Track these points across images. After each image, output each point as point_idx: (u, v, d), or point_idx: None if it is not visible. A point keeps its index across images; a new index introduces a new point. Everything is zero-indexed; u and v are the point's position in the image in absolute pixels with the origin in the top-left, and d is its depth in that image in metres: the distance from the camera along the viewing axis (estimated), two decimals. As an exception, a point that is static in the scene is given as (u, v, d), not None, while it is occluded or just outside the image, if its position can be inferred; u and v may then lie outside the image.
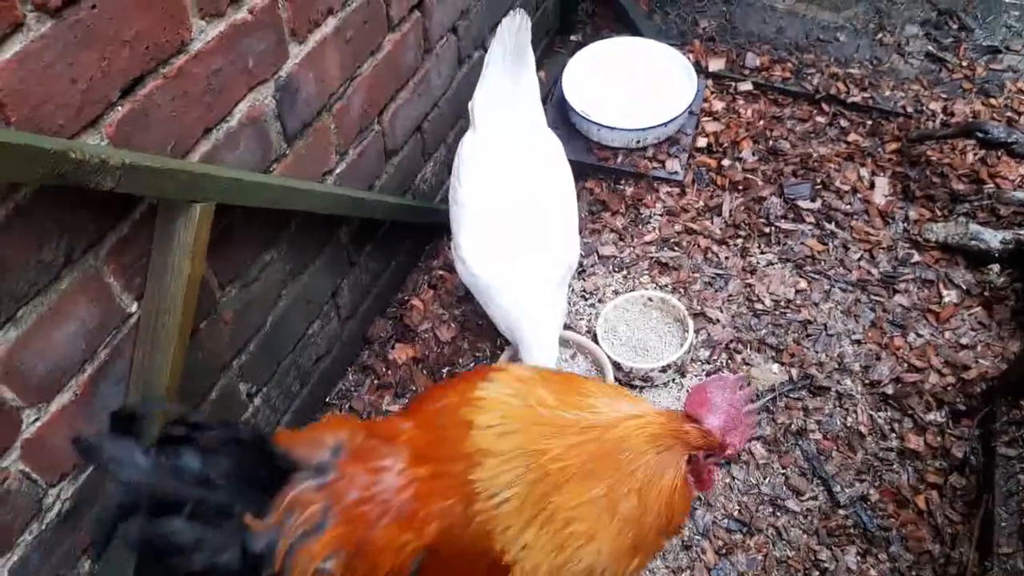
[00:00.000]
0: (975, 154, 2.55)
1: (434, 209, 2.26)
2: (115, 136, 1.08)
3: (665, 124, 2.45)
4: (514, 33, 1.75)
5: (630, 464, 1.08)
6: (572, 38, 3.03)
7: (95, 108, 1.04)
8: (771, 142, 2.61)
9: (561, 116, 2.62)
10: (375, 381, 2.09)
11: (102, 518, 1.11)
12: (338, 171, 1.74)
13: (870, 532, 1.80)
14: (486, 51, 2.24)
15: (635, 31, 2.87)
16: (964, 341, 2.10)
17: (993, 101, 2.77)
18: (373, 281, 2.13)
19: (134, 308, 1.26)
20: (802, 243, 2.32)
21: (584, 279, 2.25)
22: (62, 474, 1.23)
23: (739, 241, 2.34)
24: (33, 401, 1.13)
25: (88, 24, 0.98)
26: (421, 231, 2.33)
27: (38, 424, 1.15)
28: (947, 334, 2.12)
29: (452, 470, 1.11)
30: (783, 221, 2.38)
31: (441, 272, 2.31)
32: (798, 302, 2.18)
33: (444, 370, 2.09)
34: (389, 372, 2.10)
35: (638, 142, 2.51)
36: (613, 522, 1.07)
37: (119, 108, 1.08)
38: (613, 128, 2.47)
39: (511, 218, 1.76)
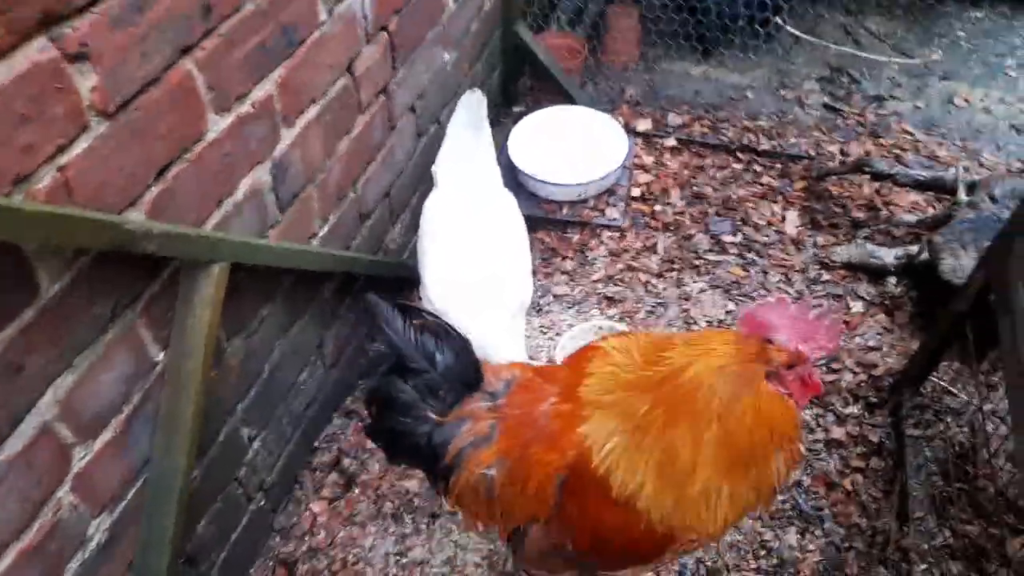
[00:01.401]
0: (871, 186, 2.95)
1: (403, 264, 2.53)
2: (151, 210, 1.32)
3: (602, 178, 2.79)
4: (472, 108, 2.07)
5: (704, 398, 1.18)
6: (515, 109, 3.39)
7: (137, 188, 1.29)
8: (695, 188, 2.97)
9: (510, 177, 2.93)
10: (360, 423, 2.30)
11: (369, 361, 1.43)
12: (321, 234, 2.00)
13: (806, 513, 2.07)
14: (440, 125, 2.58)
15: (571, 100, 3.25)
16: (872, 344, 2.43)
17: (882, 141, 3.20)
18: (352, 332, 2.36)
19: (160, 357, 1.47)
20: (728, 271, 2.65)
21: (542, 316, 2.53)
22: (103, 506, 1.41)
23: (674, 273, 2.66)
24: (83, 439, 1.32)
25: (134, 123, 1.24)
26: (392, 285, 2.59)
27: (86, 460, 1.34)
28: (857, 339, 2.45)
29: (581, 413, 1.30)
30: (710, 254, 2.72)
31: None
32: (728, 321, 2.49)
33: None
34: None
35: (580, 195, 2.84)
36: (705, 449, 1.19)
37: (153, 188, 1.33)
38: (557, 184, 2.79)
39: (473, 262, 2.03)
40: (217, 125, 1.45)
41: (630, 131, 3.15)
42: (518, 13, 3.11)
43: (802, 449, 1.29)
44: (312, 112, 1.78)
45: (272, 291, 1.83)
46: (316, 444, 2.26)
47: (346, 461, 2.19)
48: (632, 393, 1.26)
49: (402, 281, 2.59)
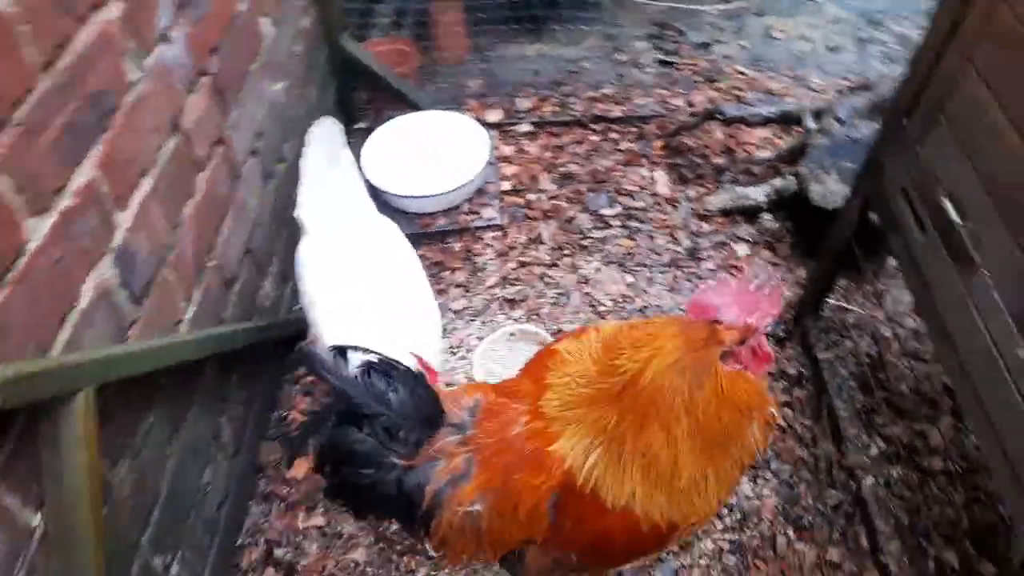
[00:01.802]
0: (722, 131, 3.05)
1: (282, 322, 2.31)
2: (-23, 355, 1.08)
3: (471, 180, 2.68)
4: (324, 138, 1.88)
5: (667, 398, 1.17)
6: (359, 127, 3.20)
7: (-48, 335, 1.03)
8: (562, 168, 2.94)
9: (374, 198, 2.76)
10: (281, 504, 2.08)
11: (312, 420, 1.30)
12: (188, 316, 1.76)
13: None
14: (286, 162, 2.36)
15: (414, 106, 3.10)
16: (763, 278, 2.50)
17: (720, 86, 3.32)
18: (248, 410, 2.13)
19: (37, 520, 1.22)
20: (616, 244, 2.65)
21: (447, 336, 2.40)
22: None
23: (566, 259, 2.61)
24: (-40, 649, 1.07)
25: (-73, 258, 0.99)
26: (277, 347, 2.36)
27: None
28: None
29: (551, 431, 1.26)
30: (595, 231, 2.70)
31: (310, 377, 2.34)
32: (631, 294, 2.48)
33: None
34: (292, 490, 2.10)
35: (452, 202, 2.72)
36: (682, 444, 1.18)
37: (-26, 327, 1.08)
38: (426, 196, 2.66)
39: (368, 301, 1.86)
40: (38, 230, 1.20)
41: (483, 125, 3.06)
42: (339, 25, 2.92)
43: (774, 412, 1.29)
44: (146, 185, 1.54)
45: (149, 396, 1.58)
46: (239, 542, 2.02)
47: (278, 552, 1.97)
48: (596, 407, 1.24)
49: (286, 340, 2.37)
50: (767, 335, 1.22)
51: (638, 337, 1.23)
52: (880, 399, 2.24)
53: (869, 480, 2.05)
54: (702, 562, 1.93)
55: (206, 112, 1.84)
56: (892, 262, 2.34)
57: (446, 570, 1.91)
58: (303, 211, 1.98)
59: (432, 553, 1.91)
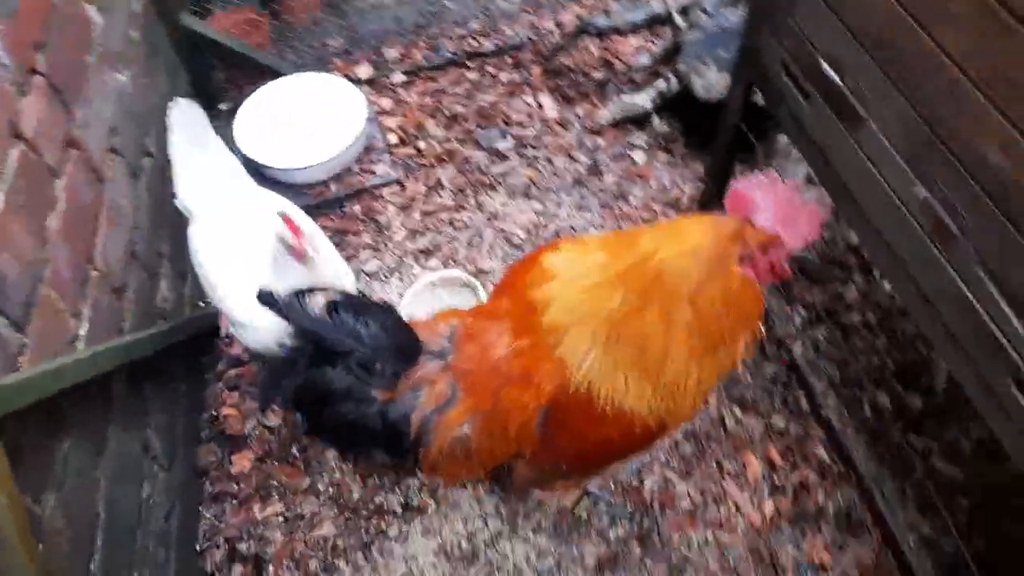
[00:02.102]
0: (597, 46, 3.04)
1: (188, 321, 2.17)
2: None
3: (353, 142, 2.57)
4: (185, 121, 1.75)
5: (675, 281, 1.13)
6: (222, 107, 3.00)
7: None
8: (447, 111, 2.86)
9: (258, 177, 2.61)
10: (234, 501, 1.99)
11: (274, 367, 1.28)
12: (83, 333, 1.61)
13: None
14: (153, 156, 2.19)
15: (275, 74, 2.93)
16: (666, 182, 2.55)
17: (585, 2, 3.29)
18: (173, 417, 2.01)
19: (-41, 573, 1.10)
20: (517, 176, 2.62)
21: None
22: None
23: (470, 200, 2.56)
24: None
25: None
26: (190, 347, 2.22)
27: None
28: (653, 184, 2.56)
29: (546, 341, 1.22)
30: (494, 167, 2.65)
31: (233, 371, 2.23)
32: (543, 221, 2.47)
33: (295, 448, 2.05)
34: (242, 485, 2.01)
35: (341, 166, 2.61)
36: (675, 335, 1.15)
37: None
38: (312, 165, 2.53)
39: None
40: None
41: (355, 82, 2.93)
42: (176, 3, 2.69)
43: (761, 327, 1.28)
44: (-1, 200, 1.38)
45: (58, 423, 1.45)
46: (199, 548, 1.92)
47: (241, 547, 1.89)
48: (599, 291, 1.19)
49: (198, 339, 2.24)
50: (792, 256, 1.17)
51: (662, 225, 1.21)
52: (794, 271, 2.33)
53: (798, 347, 2.16)
54: (661, 456, 1.98)
55: (47, 114, 1.66)
56: (783, 140, 2.42)
57: (418, 519, 1.88)
58: (183, 197, 1.84)
59: (422, 479, 1.91)
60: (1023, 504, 1.74)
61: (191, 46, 2.79)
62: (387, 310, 1.29)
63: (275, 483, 1.99)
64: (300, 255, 1.57)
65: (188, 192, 1.84)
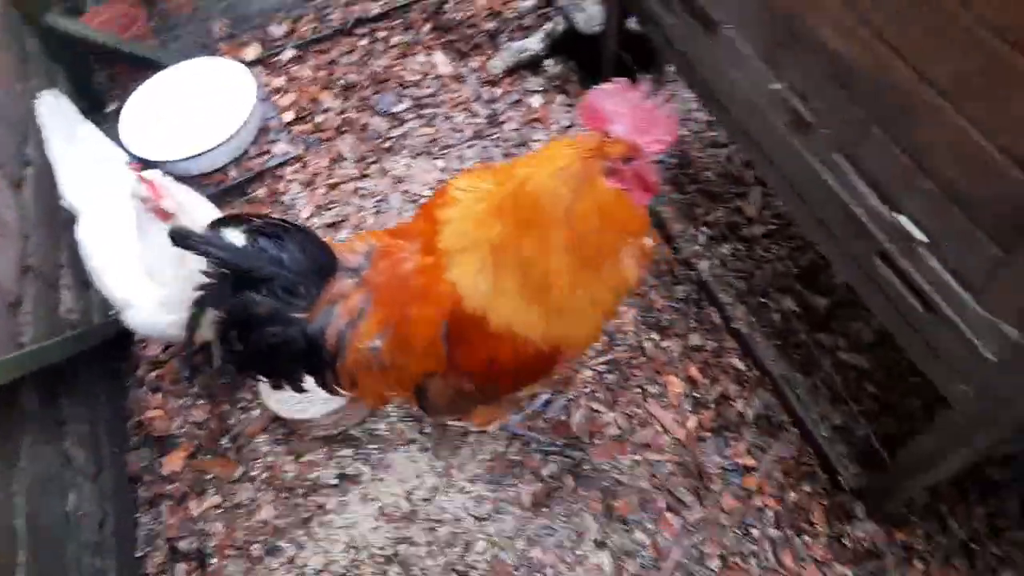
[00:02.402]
0: (485, -2, 3.01)
1: (97, 328, 2.12)
2: None
3: (244, 124, 2.51)
4: (53, 116, 1.70)
5: (548, 203, 1.15)
6: (108, 109, 2.89)
7: None
8: (341, 82, 2.81)
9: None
10: (171, 502, 1.97)
11: (201, 300, 1.30)
12: (-25, 350, 1.57)
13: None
14: (32, 166, 2.11)
15: (160, 67, 2.83)
16: (565, 123, 2.56)
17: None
18: (94, 426, 1.97)
19: None
20: (417, 136, 2.60)
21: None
22: None
23: (374, 167, 2.54)
24: None
25: None
26: (106, 355, 2.18)
27: None
28: (553, 126, 2.56)
29: (442, 263, 1.27)
30: (393, 131, 2.63)
31: (153, 373, 2.19)
32: (447, 177, 2.46)
33: (225, 440, 2.04)
34: (176, 484, 1.99)
35: (238, 150, 2.55)
36: (554, 257, 1.18)
37: None
38: (202, 154, 2.47)
39: (161, 261, 1.72)
40: None
41: (245, 63, 2.85)
42: (41, 4, 2.57)
43: (650, 245, 1.31)
44: None
45: (-44, 443, 1.42)
46: (139, 553, 1.91)
47: (183, 545, 1.89)
48: (485, 220, 1.22)
49: (111, 345, 2.19)
50: (658, 163, 1.17)
51: (536, 151, 1.24)
52: (694, 192, 2.39)
53: (705, 265, 2.21)
54: (586, 389, 2.03)
55: (-96, 130, 1.59)
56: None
57: (355, 488, 1.90)
58: (67, 196, 1.79)
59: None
60: (919, 382, 1.84)
61: (64, 46, 2.68)
62: (305, 232, 1.33)
63: (209, 477, 1.98)
64: (161, 213, 1.53)
65: (70, 189, 1.79)
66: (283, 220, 1.34)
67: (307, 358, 1.35)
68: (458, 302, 1.26)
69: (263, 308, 1.28)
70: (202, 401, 2.11)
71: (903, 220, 1.28)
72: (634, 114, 1.12)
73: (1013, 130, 1.04)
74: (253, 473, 1.96)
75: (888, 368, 1.94)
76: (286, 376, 1.42)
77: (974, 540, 1.73)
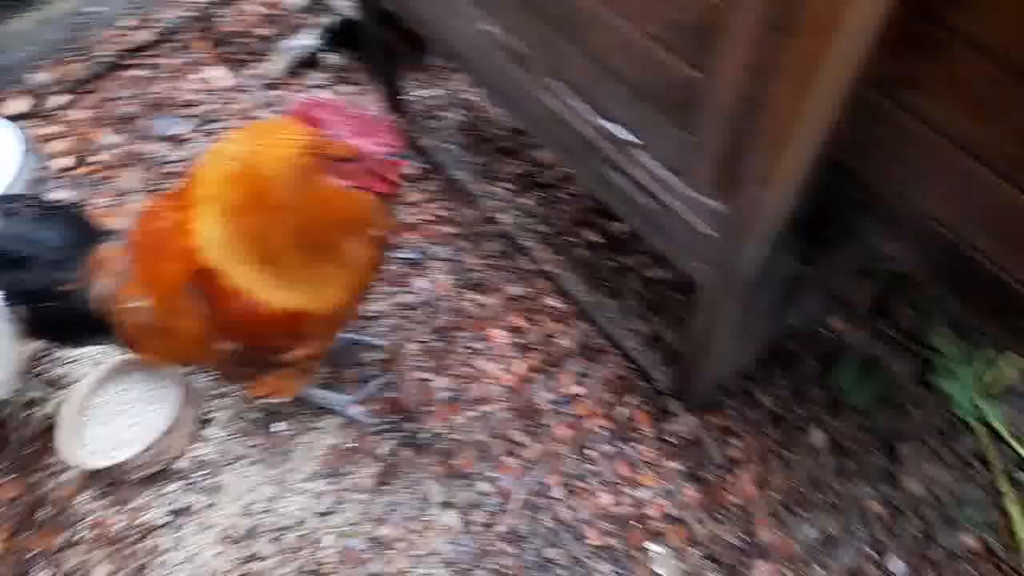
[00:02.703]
0: (250, 3, 2.94)
1: None
2: None
3: (15, 179, 2.34)
4: None
5: (277, 186, 1.18)
6: None
7: None
8: (119, 114, 2.68)
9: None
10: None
11: None
12: None
13: (417, 259, 2.20)
14: None
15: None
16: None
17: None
18: None
19: None
20: (200, 152, 2.51)
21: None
22: None
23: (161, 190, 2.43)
24: None
25: None
26: None
27: None
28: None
29: (191, 215, 1.26)
30: (176, 152, 2.53)
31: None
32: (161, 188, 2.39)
33: (42, 512, 1.89)
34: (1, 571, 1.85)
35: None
36: (285, 236, 1.23)
37: None
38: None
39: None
40: None
41: (13, 119, 2.67)
42: None
43: (381, 233, 1.37)
44: None
45: None
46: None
47: None
48: (227, 184, 1.22)
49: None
50: (397, 160, 1.24)
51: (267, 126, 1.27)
52: (490, 151, 2.43)
53: (508, 217, 2.25)
54: (413, 362, 2.02)
55: None
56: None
57: (189, 520, 1.81)
58: None
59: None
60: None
61: None
62: (66, 209, 1.43)
63: (32, 554, 1.84)
64: None
65: None
66: (42, 200, 1.45)
67: (88, 323, 1.42)
68: (202, 259, 1.25)
69: (35, 284, 1.36)
70: (12, 476, 1.95)
71: (614, 128, 1.34)
72: (350, 122, 1.20)
73: (654, 17, 1.11)
74: (79, 536, 1.84)
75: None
76: (84, 339, 1.55)
77: (782, 406, 1.84)
